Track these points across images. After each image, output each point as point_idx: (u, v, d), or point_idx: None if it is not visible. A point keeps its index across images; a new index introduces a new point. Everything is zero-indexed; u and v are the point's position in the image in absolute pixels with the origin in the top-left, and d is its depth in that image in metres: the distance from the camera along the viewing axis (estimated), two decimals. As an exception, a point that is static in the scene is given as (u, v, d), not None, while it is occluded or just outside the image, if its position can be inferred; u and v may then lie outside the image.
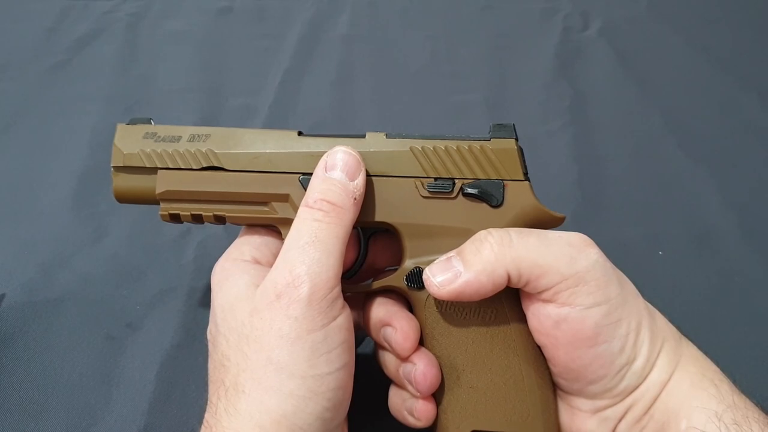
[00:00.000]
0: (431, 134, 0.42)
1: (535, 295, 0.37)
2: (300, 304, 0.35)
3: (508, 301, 0.39)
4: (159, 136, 0.43)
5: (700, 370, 0.36)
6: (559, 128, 0.74)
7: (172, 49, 0.87)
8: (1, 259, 0.57)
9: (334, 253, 0.36)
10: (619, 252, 0.41)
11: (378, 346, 0.42)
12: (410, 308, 0.42)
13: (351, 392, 0.37)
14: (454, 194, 0.41)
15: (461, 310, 0.39)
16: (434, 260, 0.38)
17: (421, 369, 0.38)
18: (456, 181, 0.41)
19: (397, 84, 0.83)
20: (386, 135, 0.42)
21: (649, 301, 0.39)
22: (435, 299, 0.39)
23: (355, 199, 0.39)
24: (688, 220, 0.64)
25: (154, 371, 0.49)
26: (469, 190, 0.40)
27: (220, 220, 0.43)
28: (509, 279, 0.36)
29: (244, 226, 0.44)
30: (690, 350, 0.38)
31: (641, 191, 0.67)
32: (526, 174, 0.41)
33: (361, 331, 0.43)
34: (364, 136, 0.42)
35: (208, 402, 0.36)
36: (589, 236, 0.38)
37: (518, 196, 0.40)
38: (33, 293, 0.54)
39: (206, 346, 0.39)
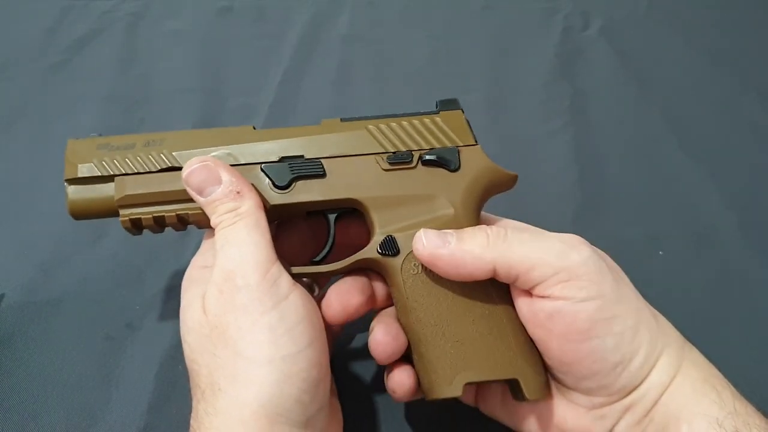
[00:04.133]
0: (383, 114, 0.45)
1: (528, 291, 0.37)
2: (241, 292, 0.36)
3: None
4: (113, 146, 0.43)
5: (702, 376, 0.36)
6: (560, 128, 0.74)
7: (172, 49, 0.87)
8: (1, 259, 0.57)
9: (251, 243, 0.38)
10: (619, 252, 0.41)
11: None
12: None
13: (328, 374, 0.38)
14: (414, 164, 0.43)
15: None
16: (403, 227, 0.41)
17: (376, 337, 0.40)
18: (413, 152, 0.43)
19: (397, 84, 0.83)
20: (341, 119, 0.45)
21: (649, 301, 0.39)
22: (409, 264, 0.40)
23: (237, 192, 0.39)
24: (688, 220, 0.64)
25: (153, 371, 0.49)
26: (428, 157, 0.43)
27: (183, 221, 0.43)
28: (496, 272, 0.37)
29: (206, 232, 0.44)
30: (693, 355, 0.38)
31: (641, 191, 0.67)
32: (476, 140, 0.44)
33: (349, 327, 0.43)
34: (319, 124, 0.44)
35: (192, 408, 0.37)
36: (589, 236, 0.39)
37: (473, 158, 0.43)
38: (33, 293, 0.54)
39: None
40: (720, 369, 0.38)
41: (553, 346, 0.37)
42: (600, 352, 0.36)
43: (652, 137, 0.74)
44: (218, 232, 0.39)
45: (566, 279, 0.36)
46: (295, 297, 0.37)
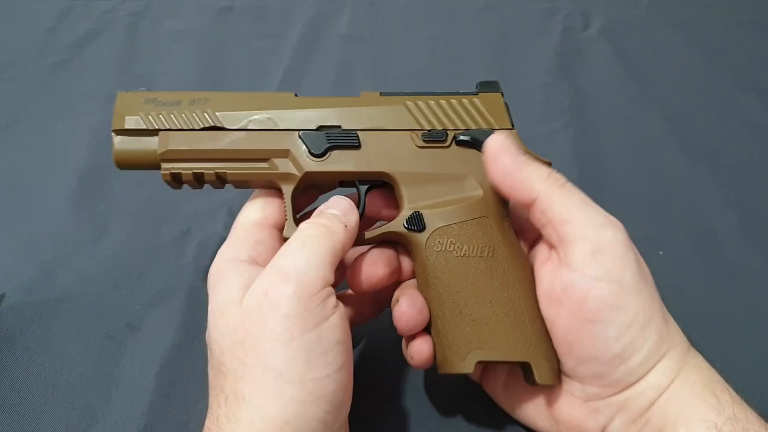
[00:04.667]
0: (423, 91, 0.45)
1: (552, 251, 0.39)
2: (288, 300, 0.35)
3: (505, 239, 0.41)
4: (159, 101, 0.45)
5: (702, 380, 0.36)
6: (560, 128, 0.74)
7: (172, 49, 0.87)
8: (1, 259, 0.57)
9: (321, 260, 0.37)
10: (619, 252, 0.41)
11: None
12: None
13: (351, 393, 0.37)
14: (448, 143, 0.44)
15: (460, 248, 0.41)
16: (430, 204, 0.42)
17: (401, 308, 0.40)
18: (448, 131, 0.44)
19: (397, 84, 0.82)
20: (380, 93, 0.45)
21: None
22: (433, 241, 0.41)
23: (346, 225, 0.40)
24: (689, 220, 0.64)
25: (154, 371, 0.49)
26: (462, 138, 0.43)
27: (221, 179, 0.44)
28: (534, 207, 0.38)
29: (235, 223, 0.44)
30: (695, 360, 0.38)
31: (641, 191, 0.67)
32: (513, 124, 0.44)
33: (359, 331, 0.43)
34: (358, 96, 0.45)
35: (209, 407, 0.36)
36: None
37: None
38: (33, 293, 0.54)
39: (206, 347, 0.39)
40: (720, 369, 0.38)
41: (561, 323, 0.38)
42: (602, 338, 0.36)
43: (652, 137, 0.74)
44: (299, 235, 0.38)
45: (590, 249, 0.36)
46: (336, 319, 0.36)
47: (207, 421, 0.35)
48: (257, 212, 0.43)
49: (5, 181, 0.65)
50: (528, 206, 0.39)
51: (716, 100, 0.80)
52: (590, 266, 0.36)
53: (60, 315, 0.53)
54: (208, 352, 0.38)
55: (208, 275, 0.41)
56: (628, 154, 0.72)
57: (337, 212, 0.40)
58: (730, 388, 0.36)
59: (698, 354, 0.38)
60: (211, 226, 0.61)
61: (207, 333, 0.39)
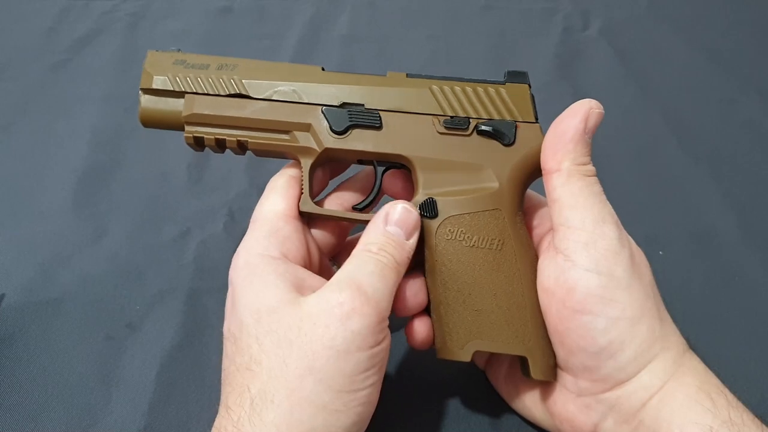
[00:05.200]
0: (450, 76, 0.45)
1: (550, 238, 0.39)
2: (362, 319, 0.35)
3: (516, 234, 0.41)
4: (188, 63, 0.45)
5: (697, 383, 0.36)
6: (559, 128, 0.74)
7: (172, 49, 0.87)
8: (1, 259, 0.57)
9: (392, 292, 0.38)
10: (619, 252, 0.41)
11: None
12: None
13: (374, 408, 0.38)
14: (469, 131, 0.43)
15: (470, 238, 0.41)
16: (445, 192, 0.41)
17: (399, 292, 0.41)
18: (471, 119, 0.43)
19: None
20: (407, 74, 0.45)
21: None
22: (444, 229, 0.41)
23: (408, 258, 0.40)
24: (689, 220, 0.64)
25: (154, 371, 0.49)
26: (484, 128, 0.43)
27: (242, 146, 0.44)
28: (551, 178, 0.39)
29: (252, 221, 0.43)
30: (691, 362, 0.37)
31: (641, 191, 0.67)
32: (537, 117, 0.44)
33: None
34: (385, 75, 0.45)
35: (225, 406, 0.35)
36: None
37: (529, 136, 0.43)
38: (33, 293, 0.54)
39: (215, 345, 0.38)
40: (719, 369, 0.38)
41: (552, 311, 0.38)
42: (590, 329, 0.36)
43: (652, 137, 0.74)
44: (375, 259, 0.38)
45: (585, 241, 0.37)
46: (386, 343, 0.37)
47: (222, 420, 0.34)
48: (279, 202, 0.42)
49: (5, 181, 0.65)
50: (549, 174, 0.40)
51: (716, 100, 0.80)
52: (581, 256, 0.37)
53: (60, 315, 0.53)
54: (230, 347, 0.37)
55: (235, 268, 0.39)
56: (628, 154, 0.72)
57: (401, 233, 0.40)
58: (727, 391, 0.36)
59: (695, 356, 0.38)
60: (211, 226, 0.61)
61: (228, 327, 0.38)
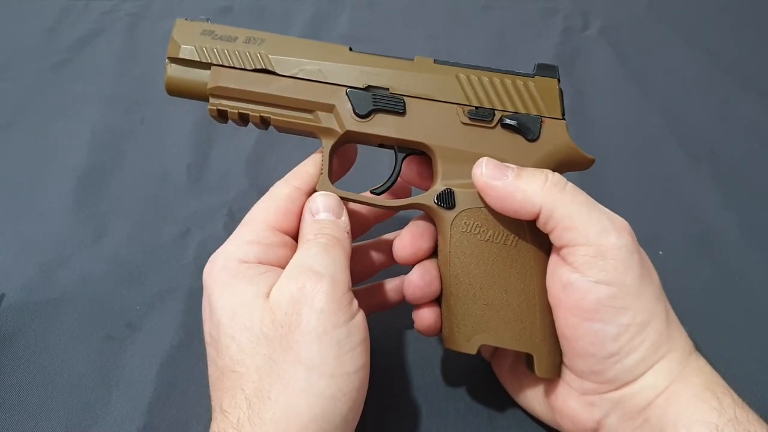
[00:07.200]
0: (479, 65, 0.44)
1: (557, 251, 0.38)
2: (324, 296, 0.35)
3: (532, 232, 0.40)
4: (216, 34, 0.45)
5: (703, 383, 0.36)
6: (559, 128, 0.74)
7: (172, 49, 0.87)
8: (1, 259, 0.57)
9: (344, 263, 0.38)
10: (619, 252, 0.41)
11: None
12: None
13: (365, 394, 0.38)
14: (493, 124, 0.42)
15: (485, 232, 0.41)
16: (464, 183, 0.41)
17: (411, 277, 0.41)
18: (496, 111, 0.43)
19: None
20: (434, 60, 0.45)
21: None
22: (460, 221, 0.41)
23: (347, 232, 0.40)
24: (688, 220, 0.64)
25: (154, 371, 0.49)
26: (508, 122, 0.42)
27: (265, 122, 0.44)
28: (539, 216, 0.38)
29: (243, 221, 0.42)
30: (698, 362, 0.38)
31: (641, 191, 0.67)
32: (563, 114, 0.43)
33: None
34: (412, 60, 0.45)
35: (219, 410, 0.34)
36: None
37: (554, 133, 0.42)
38: (33, 293, 0.54)
39: (206, 348, 0.38)
40: (720, 369, 0.38)
41: (560, 316, 0.38)
42: (600, 336, 0.36)
43: (652, 137, 0.74)
44: (316, 242, 0.39)
45: (593, 255, 0.36)
46: (360, 318, 0.37)
47: (220, 424, 0.34)
48: (272, 212, 0.41)
49: (5, 181, 0.65)
50: (534, 220, 0.39)
51: (716, 100, 0.80)
52: (591, 270, 0.36)
53: (60, 315, 0.53)
54: (212, 351, 0.37)
55: (211, 273, 0.39)
56: (628, 154, 0.72)
57: (331, 215, 0.41)
58: (732, 391, 0.36)
59: (701, 357, 0.38)
60: (211, 226, 0.61)
61: (208, 331, 0.38)
